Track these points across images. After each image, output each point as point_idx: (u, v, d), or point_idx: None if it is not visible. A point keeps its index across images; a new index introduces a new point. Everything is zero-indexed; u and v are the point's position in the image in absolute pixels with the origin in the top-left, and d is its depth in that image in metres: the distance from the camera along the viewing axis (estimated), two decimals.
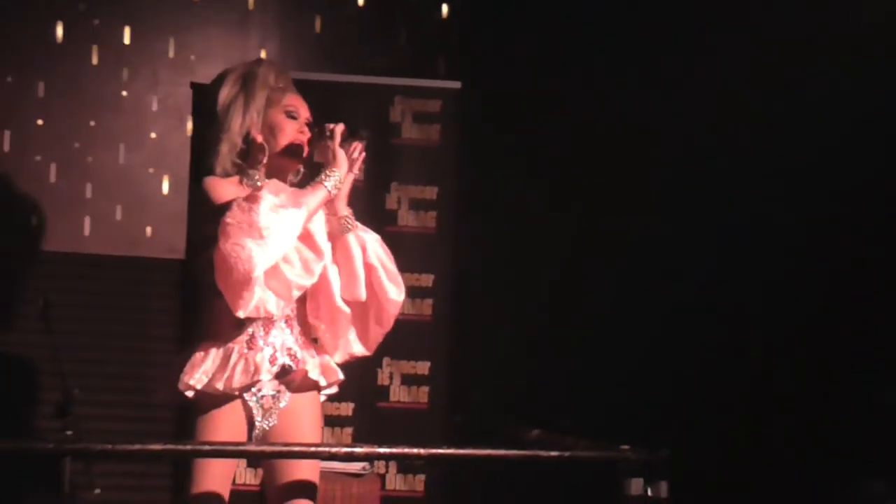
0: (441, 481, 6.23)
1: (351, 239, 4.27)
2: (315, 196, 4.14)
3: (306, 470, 4.20)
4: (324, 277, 4.23)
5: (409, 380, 6.25)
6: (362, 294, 4.27)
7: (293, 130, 4.31)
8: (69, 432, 4.96)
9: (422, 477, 6.20)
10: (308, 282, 4.13)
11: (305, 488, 4.20)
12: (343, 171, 4.22)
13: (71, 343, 5.96)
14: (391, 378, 6.21)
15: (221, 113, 4.28)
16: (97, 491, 5.32)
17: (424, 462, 6.11)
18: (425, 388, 6.26)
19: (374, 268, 4.29)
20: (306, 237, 4.12)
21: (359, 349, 4.38)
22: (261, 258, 3.99)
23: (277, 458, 4.22)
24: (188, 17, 6.66)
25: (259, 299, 4.05)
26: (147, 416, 6.30)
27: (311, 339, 4.31)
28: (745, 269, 6.01)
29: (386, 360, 6.12)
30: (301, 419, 4.23)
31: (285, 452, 4.13)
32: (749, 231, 6.02)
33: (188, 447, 4.08)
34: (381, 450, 4.04)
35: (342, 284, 4.27)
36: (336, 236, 4.26)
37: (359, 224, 4.32)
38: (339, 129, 4.24)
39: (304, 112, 4.34)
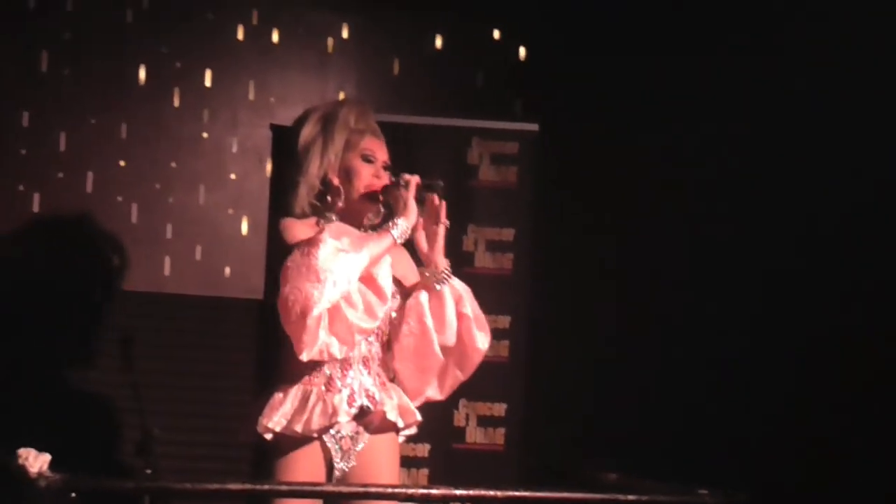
0: None
1: (447, 291, 4.28)
2: (380, 243, 4.15)
3: None
4: (425, 326, 4.25)
5: (485, 421, 6.25)
6: (452, 340, 4.29)
7: (368, 174, 4.33)
8: (149, 471, 4.99)
9: None
10: (370, 325, 4.14)
11: None
12: (412, 222, 4.23)
13: (150, 382, 6.01)
14: (467, 419, 6.21)
15: (301, 154, 4.33)
16: None
17: None
18: (501, 430, 6.25)
19: (467, 317, 4.31)
20: (370, 281, 4.14)
21: (434, 394, 4.40)
22: (316, 301, 4.00)
23: (354, 498, 4.24)
24: (268, 60, 6.73)
25: (322, 343, 4.07)
26: (225, 456, 6.32)
27: (390, 380, 4.33)
28: (828, 301, 5.93)
29: (462, 402, 6.12)
30: (379, 461, 4.25)
31: (362, 493, 4.14)
32: (827, 271, 5.97)
33: (266, 486, 4.11)
34: (458, 491, 4.04)
35: (436, 332, 4.28)
36: (431, 287, 4.28)
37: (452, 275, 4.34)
38: (414, 180, 4.26)
39: (382, 155, 4.36)
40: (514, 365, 6.22)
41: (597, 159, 6.52)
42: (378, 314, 4.15)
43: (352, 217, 4.33)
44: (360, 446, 4.23)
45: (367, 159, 4.34)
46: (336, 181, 4.30)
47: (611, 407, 6.31)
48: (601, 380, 6.39)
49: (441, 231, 4.30)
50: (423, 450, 6.09)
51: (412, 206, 4.23)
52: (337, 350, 4.10)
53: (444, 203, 4.35)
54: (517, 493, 4.36)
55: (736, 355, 6.11)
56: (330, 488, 4.10)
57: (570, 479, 4.64)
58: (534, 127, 6.44)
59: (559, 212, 6.56)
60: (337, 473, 4.20)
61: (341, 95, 6.70)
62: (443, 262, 4.28)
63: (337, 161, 4.33)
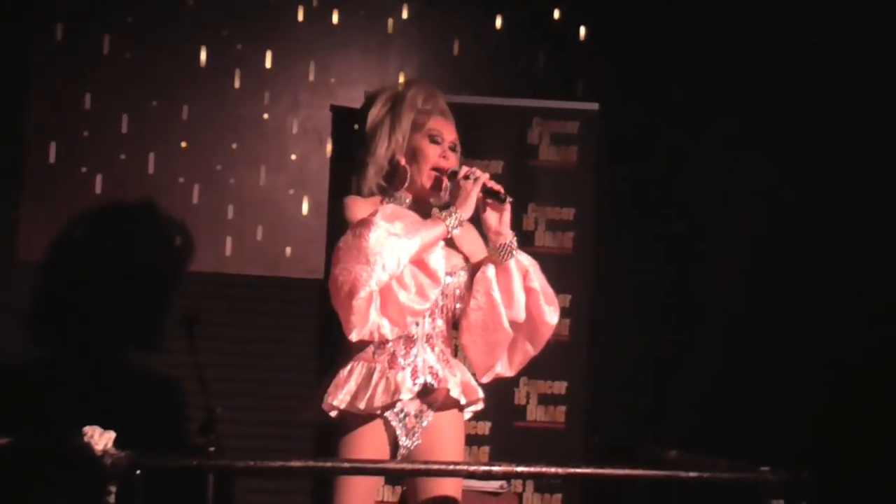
0: (578, 500, 6.23)
1: (513, 264, 4.28)
2: (432, 231, 4.14)
3: (449, 487, 4.24)
4: (493, 300, 4.26)
5: (546, 399, 6.26)
6: (521, 316, 4.29)
7: (435, 155, 4.33)
8: (212, 449, 5.03)
9: (559, 496, 6.20)
10: (422, 307, 4.14)
11: (453, 496, 4.24)
12: (467, 215, 4.21)
13: (213, 361, 6.07)
14: (528, 397, 6.22)
15: (369, 135, 4.35)
16: None
17: (562, 481, 6.11)
18: (562, 408, 6.26)
19: (535, 291, 4.30)
20: (422, 263, 4.14)
21: (504, 370, 4.41)
22: (364, 283, 4.02)
23: (416, 475, 4.26)
24: (328, 41, 6.75)
25: (373, 323, 4.09)
26: (287, 434, 6.37)
27: (454, 357, 4.34)
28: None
29: (523, 380, 6.14)
30: (444, 438, 4.26)
31: (423, 470, 4.16)
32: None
33: (328, 464, 4.13)
34: (519, 468, 4.05)
35: (504, 306, 4.29)
36: (498, 262, 4.28)
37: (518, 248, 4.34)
38: (483, 178, 4.24)
39: (449, 136, 4.35)
40: (575, 343, 6.23)
41: (657, 139, 6.50)
42: (430, 296, 4.15)
43: (419, 197, 4.33)
44: (424, 423, 4.24)
45: (434, 140, 4.33)
46: (403, 161, 4.31)
47: (670, 385, 6.30)
48: (660, 358, 6.38)
49: (507, 208, 4.30)
50: (485, 427, 6.11)
51: (471, 201, 4.21)
52: (388, 331, 4.11)
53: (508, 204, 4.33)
54: (578, 471, 4.38)
55: (796, 334, 6.08)
56: (391, 465, 4.12)
57: (630, 457, 4.64)
58: (594, 107, 6.43)
59: (619, 191, 6.55)
60: (402, 451, 4.21)
61: (401, 76, 6.72)
62: (509, 236, 4.28)
63: (404, 142, 4.33)
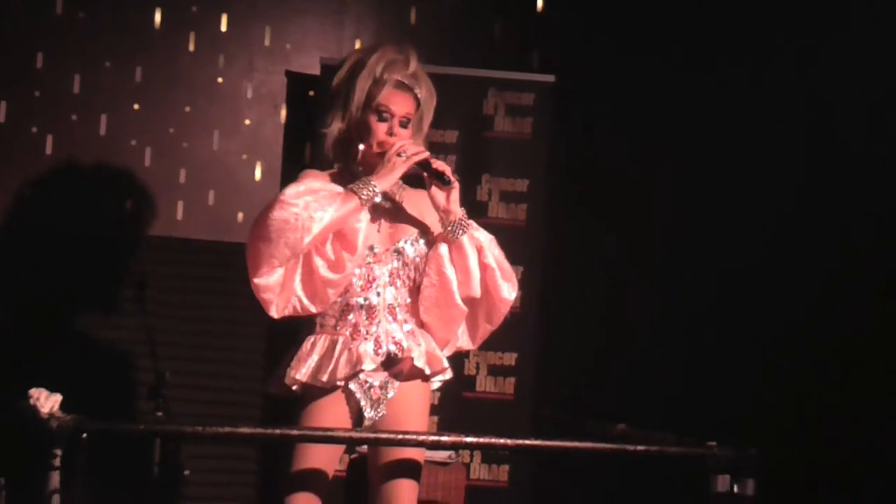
0: (525, 472, 6.25)
1: (465, 240, 4.26)
2: (346, 205, 4.09)
3: (411, 452, 4.23)
4: (444, 277, 4.24)
5: (495, 370, 6.27)
6: (477, 292, 4.28)
7: (381, 131, 4.26)
8: (160, 414, 5.02)
9: (506, 467, 6.22)
10: (337, 278, 4.12)
11: (411, 469, 4.24)
12: (384, 186, 4.16)
13: (163, 326, 6.04)
14: (478, 368, 6.23)
15: (328, 104, 4.31)
16: (186, 472, 5.39)
17: (510, 453, 6.13)
18: (511, 380, 6.28)
19: (490, 267, 4.29)
20: (340, 234, 4.12)
21: (466, 343, 4.41)
22: (265, 261, 4.08)
23: (366, 444, 4.28)
24: (284, 6, 6.70)
25: (294, 298, 4.10)
26: (235, 401, 6.36)
27: (419, 329, 4.31)
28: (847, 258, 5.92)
29: (473, 351, 6.14)
30: (408, 409, 4.25)
31: (372, 439, 4.15)
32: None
33: (277, 431, 4.12)
34: (469, 439, 4.05)
35: (458, 283, 4.27)
36: (451, 239, 4.26)
37: (474, 224, 4.32)
38: (422, 156, 4.19)
39: (400, 110, 4.25)
40: (526, 315, 6.23)
41: (612, 111, 6.50)
42: (346, 267, 4.12)
43: (371, 170, 4.29)
44: (390, 395, 4.22)
45: (382, 116, 4.26)
46: (353, 135, 4.28)
47: (621, 358, 6.32)
48: (611, 331, 6.39)
49: (455, 187, 4.26)
50: (434, 397, 6.10)
51: (394, 175, 4.15)
52: (309, 305, 4.12)
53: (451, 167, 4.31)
54: (527, 442, 4.38)
55: (747, 307, 6.10)
56: (338, 434, 4.09)
57: (578, 430, 4.65)
58: (550, 78, 6.43)
59: (573, 163, 6.55)
60: (367, 422, 4.20)
61: (357, 43, 6.69)
62: (459, 212, 4.25)
63: (357, 114, 4.28)
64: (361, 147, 4.26)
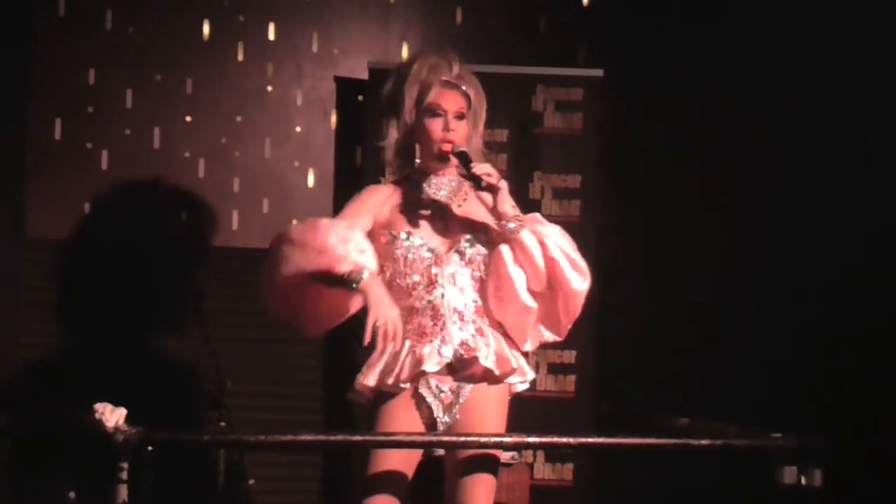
0: (589, 470, 6.23)
1: (525, 235, 4.25)
2: (327, 267, 4.17)
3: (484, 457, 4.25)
4: (507, 277, 4.24)
5: (555, 369, 6.25)
6: (544, 286, 4.28)
7: (437, 129, 4.28)
8: (223, 424, 5.03)
9: (570, 466, 6.20)
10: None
11: (488, 463, 4.26)
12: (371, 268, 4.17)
13: (222, 336, 6.05)
14: (538, 367, 6.22)
15: (382, 117, 4.34)
16: (251, 482, 5.41)
17: (573, 451, 6.11)
18: (572, 377, 6.26)
19: (556, 260, 4.28)
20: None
21: (550, 336, 4.42)
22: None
23: (429, 447, 4.28)
24: (330, 12, 6.71)
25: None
26: (297, 408, 6.38)
27: (491, 330, 4.31)
28: None
29: (532, 350, 6.13)
30: (481, 412, 4.25)
31: (436, 442, 4.16)
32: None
33: (339, 438, 4.14)
34: (531, 439, 4.05)
35: (528, 279, 4.27)
36: (508, 238, 4.26)
37: (539, 217, 4.32)
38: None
39: (451, 106, 4.28)
40: (584, 312, 6.19)
41: (662, 104, 6.47)
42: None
43: (433, 173, 4.31)
44: (462, 399, 4.22)
45: (435, 114, 4.28)
46: (411, 142, 4.30)
47: (682, 354, 6.28)
48: (671, 327, 6.36)
49: (500, 188, 4.25)
50: None
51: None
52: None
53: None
54: (590, 440, 4.38)
55: (814, 299, 6.06)
56: (402, 438, 4.10)
57: (641, 426, 4.64)
58: (598, 73, 6.41)
59: (625, 157, 6.53)
60: (440, 427, 4.20)
61: (404, 46, 6.69)
62: (510, 212, 4.25)
63: (411, 120, 4.31)
64: (418, 161, 4.28)
